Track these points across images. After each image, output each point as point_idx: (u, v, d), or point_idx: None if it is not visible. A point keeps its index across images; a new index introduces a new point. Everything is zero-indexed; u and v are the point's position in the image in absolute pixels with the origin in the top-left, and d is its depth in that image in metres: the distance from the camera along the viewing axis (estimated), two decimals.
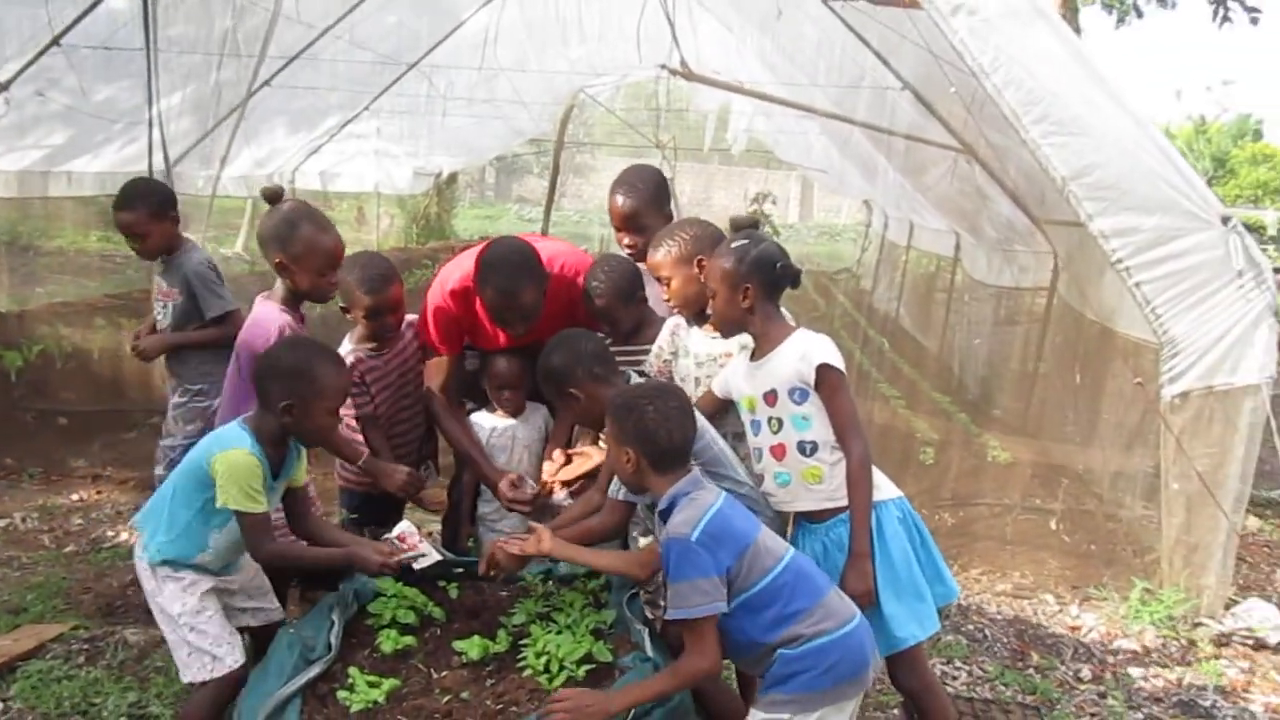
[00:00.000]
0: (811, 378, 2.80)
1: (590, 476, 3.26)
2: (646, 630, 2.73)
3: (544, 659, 2.59)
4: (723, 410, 3.08)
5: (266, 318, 3.17)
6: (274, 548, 2.78)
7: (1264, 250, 4.57)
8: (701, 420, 2.91)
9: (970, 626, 4.52)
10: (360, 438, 3.53)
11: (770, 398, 2.87)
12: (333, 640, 2.66)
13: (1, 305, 8.22)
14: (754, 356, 2.93)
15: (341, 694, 2.45)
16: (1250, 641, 4.45)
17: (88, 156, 7.68)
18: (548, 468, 3.38)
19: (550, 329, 3.23)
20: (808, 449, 2.84)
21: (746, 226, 3.02)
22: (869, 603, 2.74)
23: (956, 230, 9.62)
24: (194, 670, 2.74)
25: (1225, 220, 4.38)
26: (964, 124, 6.09)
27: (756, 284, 2.84)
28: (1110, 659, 4.32)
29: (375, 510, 3.62)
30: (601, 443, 3.16)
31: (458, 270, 3.47)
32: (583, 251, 3.64)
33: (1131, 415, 5.46)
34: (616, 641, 2.75)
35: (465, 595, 3.05)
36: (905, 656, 2.87)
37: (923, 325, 11.63)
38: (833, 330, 8.89)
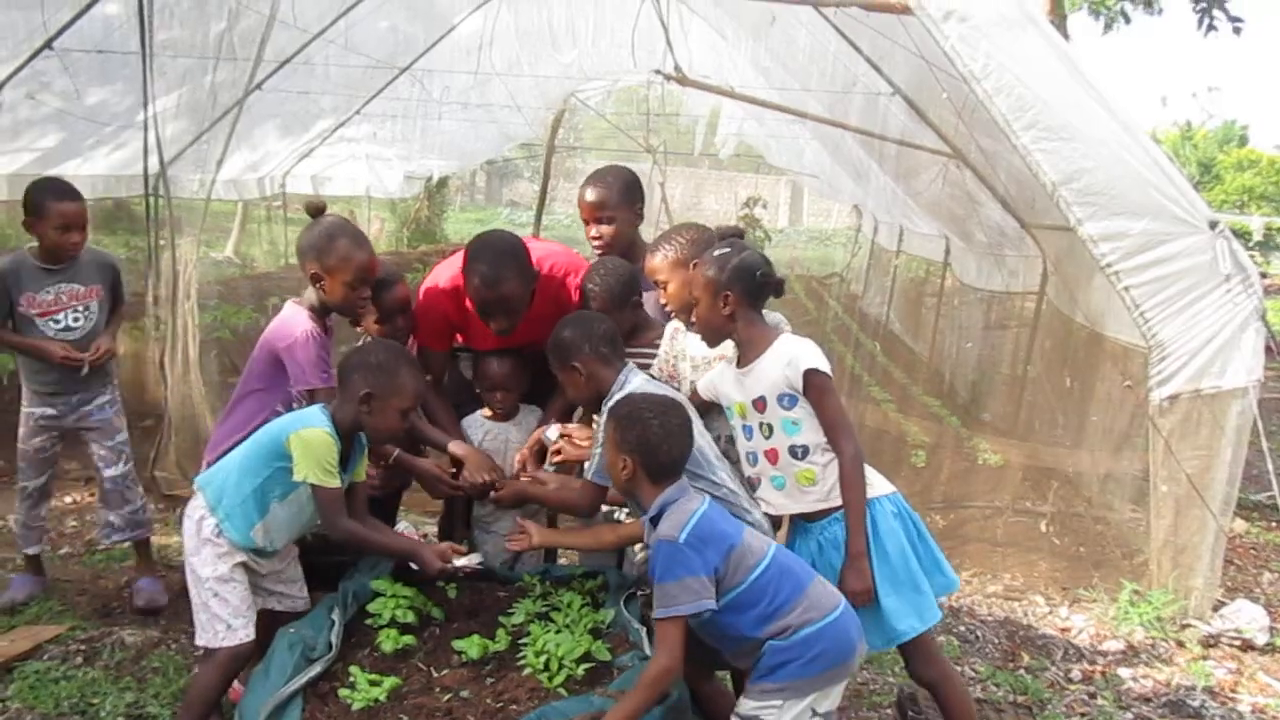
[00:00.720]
0: (799, 383, 2.85)
1: None
2: (644, 630, 2.76)
3: (543, 658, 2.62)
4: (714, 412, 3.12)
5: (294, 321, 3.21)
6: (349, 525, 2.85)
7: (1250, 255, 4.63)
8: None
9: (961, 628, 4.56)
10: None
11: (759, 404, 2.92)
12: (333, 640, 2.68)
13: None
14: (739, 364, 2.97)
15: (343, 692, 2.47)
16: (1238, 642, 4.49)
17: (79, 160, 7.67)
18: (552, 433, 3.36)
19: (540, 330, 3.26)
20: (799, 452, 2.88)
21: (730, 235, 3.06)
22: (867, 600, 2.80)
23: (947, 235, 9.68)
24: (208, 635, 2.84)
25: (1213, 225, 4.44)
26: (955, 129, 6.15)
27: (738, 292, 2.88)
28: (1100, 660, 4.36)
29: (374, 511, 3.63)
30: (596, 424, 3.20)
31: (449, 269, 3.50)
32: (575, 253, 3.66)
33: (1120, 418, 5.52)
34: (614, 641, 2.78)
35: (463, 595, 3.08)
36: (919, 648, 2.94)
37: (913, 329, 11.70)
38: (824, 335, 8.98)
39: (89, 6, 5.82)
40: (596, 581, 3.12)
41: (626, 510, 3.29)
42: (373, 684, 2.50)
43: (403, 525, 3.18)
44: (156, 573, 4.36)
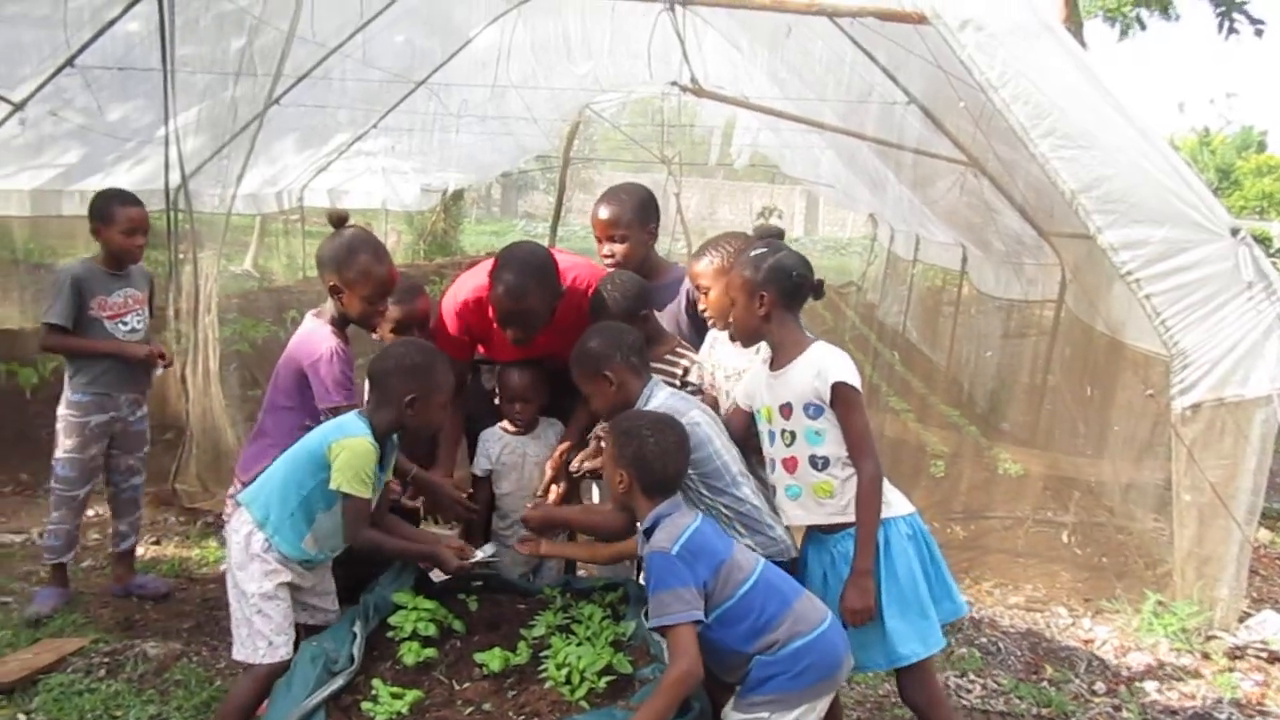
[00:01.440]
0: (827, 394, 2.82)
1: None
2: (665, 642, 2.75)
3: (565, 670, 2.61)
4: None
5: (318, 337, 3.22)
6: (369, 534, 2.89)
7: (1271, 261, 4.59)
8: (708, 432, 2.94)
9: (983, 639, 4.53)
10: None
11: (786, 410, 2.90)
12: (355, 652, 2.68)
13: (16, 323, 8.28)
14: (772, 366, 2.95)
15: (366, 705, 2.47)
16: (1264, 654, 4.44)
17: (100, 175, 7.74)
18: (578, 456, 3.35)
19: (562, 341, 3.26)
20: (819, 464, 2.86)
21: (769, 236, 3.04)
22: (867, 619, 2.78)
23: (964, 243, 9.65)
24: (247, 650, 2.84)
25: (1234, 232, 4.40)
26: (972, 138, 6.14)
27: (773, 292, 2.87)
28: (1124, 672, 4.32)
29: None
30: None
31: (472, 279, 3.50)
32: (598, 266, 3.66)
33: (1142, 427, 5.48)
34: (636, 653, 2.77)
35: (484, 608, 3.08)
36: (913, 672, 2.88)
37: (930, 339, 11.65)
38: (841, 344, 8.84)
39: (110, 24, 5.89)
40: (617, 594, 3.12)
41: None
42: (395, 697, 2.50)
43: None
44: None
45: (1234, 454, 4.55)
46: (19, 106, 6.14)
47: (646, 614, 2.91)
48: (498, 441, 3.62)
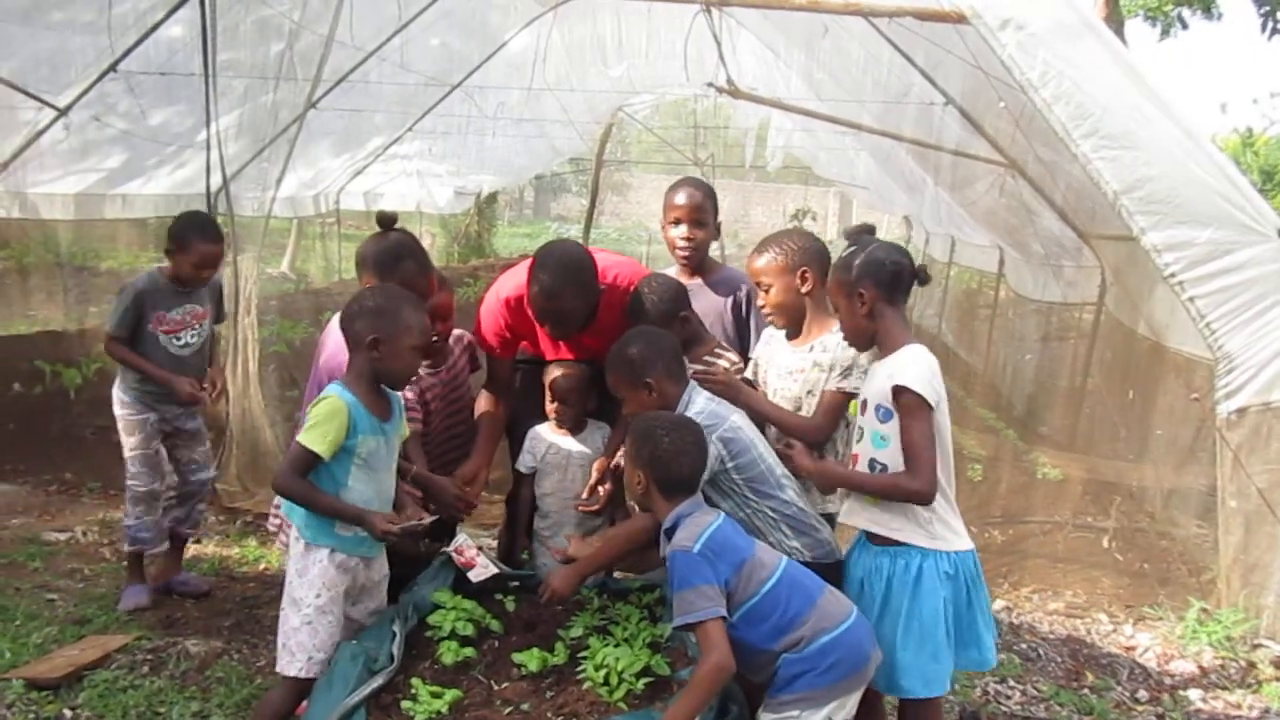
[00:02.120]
0: (890, 398, 2.72)
1: None
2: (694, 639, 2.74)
3: (603, 671, 2.62)
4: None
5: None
6: (295, 482, 2.79)
7: None
8: (749, 436, 2.93)
9: (1023, 645, 4.47)
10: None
11: (864, 406, 2.85)
12: (395, 651, 2.70)
13: (60, 324, 8.43)
14: (878, 358, 2.89)
15: (405, 704, 2.49)
16: None
17: (142, 179, 7.86)
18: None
19: (606, 341, 3.26)
20: (877, 468, 2.79)
21: (859, 232, 2.98)
22: (807, 469, 2.82)
23: (1001, 246, 9.55)
24: (286, 661, 2.82)
25: None
26: (1011, 139, 6.07)
27: (870, 286, 2.79)
28: (1167, 680, 4.25)
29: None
30: None
31: (513, 279, 3.52)
32: (638, 263, 3.66)
33: (1184, 432, 5.39)
34: (673, 655, 2.77)
35: (521, 608, 3.09)
36: (915, 709, 2.83)
37: (967, 342, 11.54)
38: None
39: (153, 29, 5.98)
40: (654, 595, 3.12)
41: None
42: (434, 696, 2.52)
43: (461, 538, 3.18)
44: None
45: None
46: (64, 112, 6.25)
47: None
48: (544, 441, 3.62)
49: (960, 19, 4.43)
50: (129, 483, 4.30)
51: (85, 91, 6.22)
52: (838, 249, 3.07)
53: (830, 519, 3.16)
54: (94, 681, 3.57)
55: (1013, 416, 8.42)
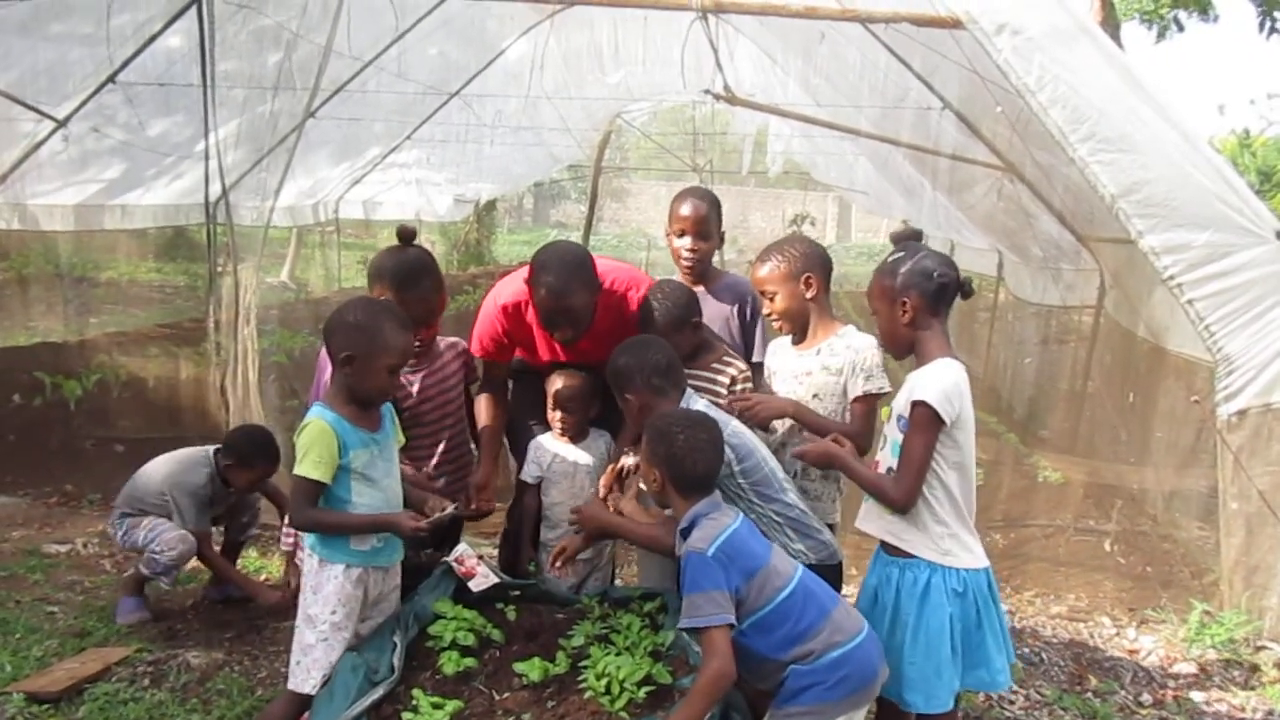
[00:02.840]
0: (908, 410, 2.71)
1: None
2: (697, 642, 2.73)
3: (604, 680, 2.60)
4: None
5: None
6: (312, 513, 2.80)
7: None
8: (752, 440, 2.94)
9: (1025, 649, 4.46)
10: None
11: (892, 414, 2.85)
12: (395, 662, 2.69)
13: (60, 335, 8.44)
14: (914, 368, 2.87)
15: (406, 715, 2.48)
16: None
17: (141, 190, 7.88)
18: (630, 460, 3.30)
19: (603, 347, 3.26)
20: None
21: (907, 238, 2.94)
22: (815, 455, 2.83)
23: (999, 249, 9.56)
24: (300, 679, 2.80)
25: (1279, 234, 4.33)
26: (1009, 143, 6.07)
27: (914, 296, 2.75)
28: (1171, 683, 4.24)
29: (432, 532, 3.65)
30: None
31: (511, 284, 3.50)
32: (635, 268, 3.66)
33: (1185, 434, 5.39)
34: (675, 663, 2.76)
35: (523, 617, 3.08)
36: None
37: (966, 345, 11.53)
38: None
39: (151, 40, 6.01)
40: (655, 603, 3.11)
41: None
42: (435, 706, 2.51)
43: (461, 548, 3.17)
44: None
45: None
46: (62, 123, 6.28)
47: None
48: (548, 451, 3.59)
49: (956, 24, 4.44)
50: (176, 532, 4.22)
51: (84, 103, 6.24)
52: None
53: (832, 528, 3.19)
54: (94, 695, 3.56)
55: (1013, 420, 8.43)
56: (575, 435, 3.59)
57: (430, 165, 12.02)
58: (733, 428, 2.92)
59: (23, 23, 5.58)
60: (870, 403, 3.12)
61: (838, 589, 2.84)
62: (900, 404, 2.77)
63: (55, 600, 4.47)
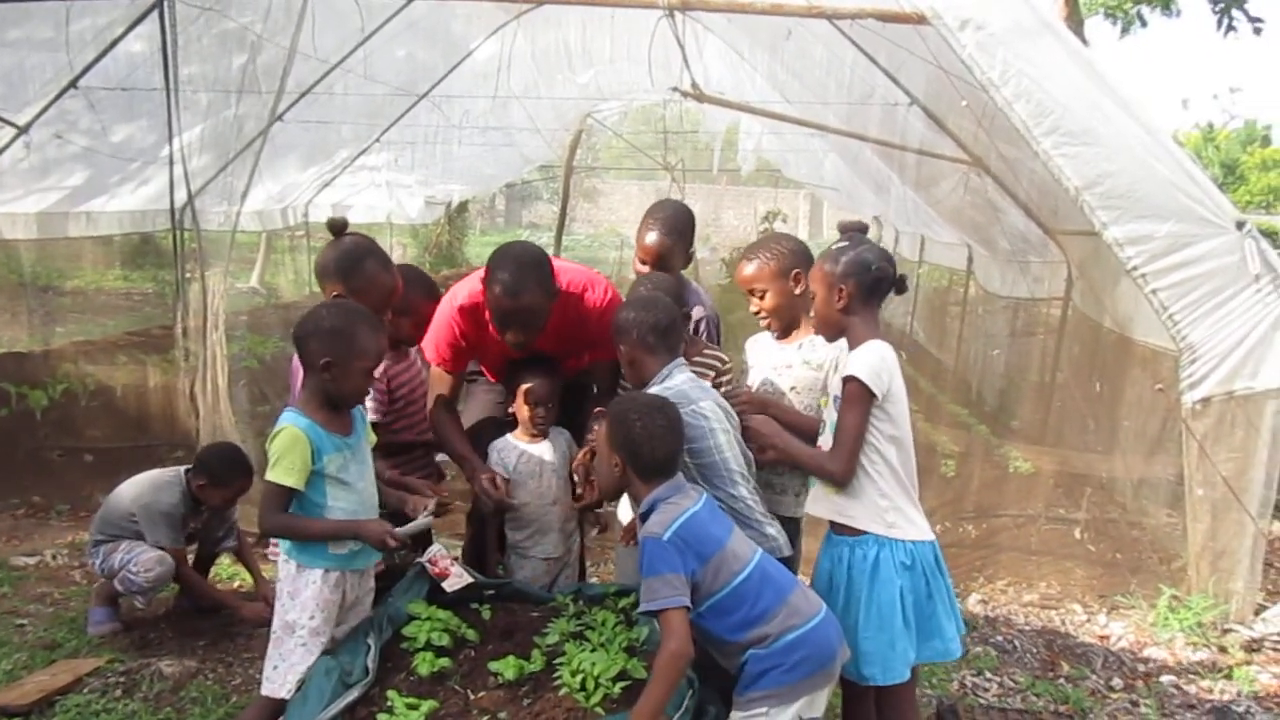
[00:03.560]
0: (840, 388, 2.83)
1: None
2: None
3: (579, 677, 2.61)
4: None
5: None
6: (279, 519, 2.78)
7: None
8: (713, 426, 2.93)
9: (999, 638, 4.51)
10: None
11: (831, 399, 2.94)
12: (370, 664, 2.69)
13: (26, 345, 8.32)
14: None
15: (381, 717, 2.48)
16: None
17: (105, 197, 7.79)
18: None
19: (556, 344, 3.29)
20: None
21: (852, 230, 3.04)
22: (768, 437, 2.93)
23: (969, 243, 9.64)
24: (275, 684, 2.79)
25: (1240, 225, 4.40)
26: (974, 138, 6.13)
27: (851, 284, 2.86)
28: (1141, 667, 4.30)
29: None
30: None
31: (466, 286, 3.44)
32: (590, 269, 3.65)
33: (1152, 423, 5.46)
34: (649, 658, 2.76)
35: (497, 617, 3.08)
36: (891, 697, 2.86)
37: (938, 339, 11.65)
38: None
39: (113, 45, 5.93)
40: (629, 599, 3.10)
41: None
42: (410, 707, 2.51)
43: (435, 548, 3.16)
44: None
45: (1245, 447, 4.54)
46: (23, 130, 6.18)
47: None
48: (513, 451, 3.54)
49: (921, 20, 4.48)
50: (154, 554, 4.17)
51: (45, 109, 6.15)
52: (811, 252, 3.13)
53: (797, 523, 3.26)
54: (66, 706, 3.52)
55: (984, 412, 8.50)
56: (545, 431, 3.57)
57: (400, 167, 11.97)
58: (697, 406, 2.91)
59: None
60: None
61: None
62: (835, 385, 2.88)
63: (24, 613, 4.41)
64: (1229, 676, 4.20)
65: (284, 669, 2.79)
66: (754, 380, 3.35)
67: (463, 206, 17.65)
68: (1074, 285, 7.19)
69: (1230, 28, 10.23)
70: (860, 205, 13.63)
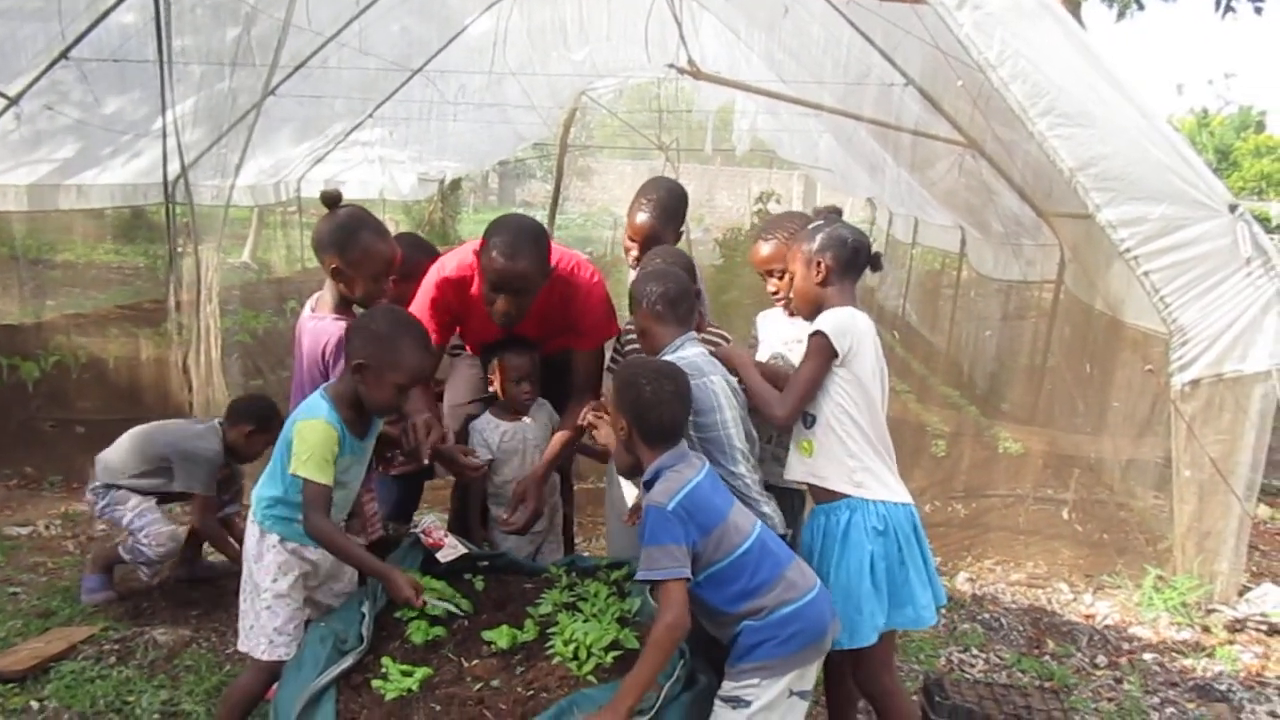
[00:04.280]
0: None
1: None
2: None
3: (572, 646, 2.63)
4: None
5: (322, 331, 3.09)
6: (325, 525, 2.75)
7: (1271, 238, 4.60)
8: (721, 401, 2.95)
9: (986, 615, 4.56)
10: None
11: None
12: (364, 632, 2.70)
13: (16, 318, 8.30)
14: None
15: (376, 683, 2.50)
16: (1264, 627, 4.48)
17: (97, 169, 7.75)
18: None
19: (540, 325, 3.29)
20: (808, 420, 2.93)
21: (826, 213, 3.12)
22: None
23: (962, 225, 9.66)
24: (249, 644, 2.83)
25: (1232, 208, 4.42)
26: (970, 119, 6.14)
27: (829, 257, 2.95)
28: (1125, 645, 4.36)
29: (397, 503, 3.67)
30: None
31: (456, 257, 3.42)
32: (575, 252, 3.63)
33: (1141, 405, 5.50)
34: (641, 629, 2.79)
35: (490, 588, 3.10)
36: (860, 661, 2.90)
37: (930, 321, 11.67)
38: None
39: (105, 15, 5.89)
40: (622, 571, 3.14)
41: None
42: (405, 674, 2.53)
43: (429, 518, 3.18)
44: None
45: (1233, 430, 4.58)
46: (14, 101, 6.15)
47: (652, 590, 2.95)
48: (495, 429, 3.53)
49: None
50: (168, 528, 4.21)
51: (36, 80, 6.11)
52: None
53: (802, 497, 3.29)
54: (60, 673, 3.55)
55: (975, 393, 8.54)
56: (528, 407, 3.56)
57: (393, 143, 11.92)
58: (709, 382, 2.93)
59: None
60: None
61: None
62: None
63: (18, 582, 4.43)
64: (1212, 655, 4.26)
65: (256, 629, 2.83)
66: (764, 354, 3.38)
67: (456, 183, 17.59)
68: (1066, 268, 7.22)
69: (1229, 8, 10.22)
70: (854, 187, 13.64)
